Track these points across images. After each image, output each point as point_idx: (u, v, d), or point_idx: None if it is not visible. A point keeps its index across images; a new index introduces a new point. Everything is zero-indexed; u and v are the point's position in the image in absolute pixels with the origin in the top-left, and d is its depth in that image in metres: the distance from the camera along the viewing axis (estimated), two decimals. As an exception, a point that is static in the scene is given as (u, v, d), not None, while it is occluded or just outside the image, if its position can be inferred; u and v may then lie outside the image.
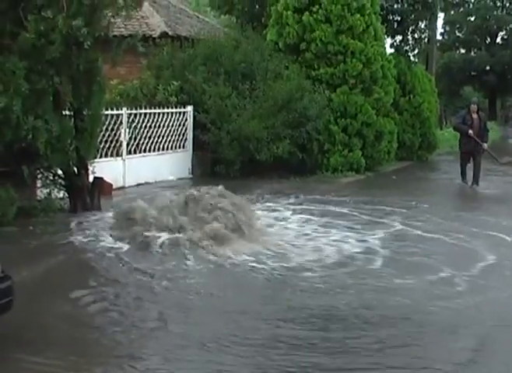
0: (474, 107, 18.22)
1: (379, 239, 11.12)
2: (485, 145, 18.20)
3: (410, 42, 26.08)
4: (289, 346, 6.53)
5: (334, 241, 10.94)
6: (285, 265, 9.43)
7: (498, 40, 61.25)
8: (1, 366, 5.88)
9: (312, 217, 12.83)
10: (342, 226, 12.07)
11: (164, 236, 10.16)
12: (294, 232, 11.51)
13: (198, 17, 25.69)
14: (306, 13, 19.95)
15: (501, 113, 64.35)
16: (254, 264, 9.40)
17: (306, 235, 11.41)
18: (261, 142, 18.04)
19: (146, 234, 10.23)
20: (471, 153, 18.18)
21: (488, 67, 59.24)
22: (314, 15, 19.88)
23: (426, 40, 28.54)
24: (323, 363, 6.14)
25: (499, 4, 61.19)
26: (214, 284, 8.67)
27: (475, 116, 18.11)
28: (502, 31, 60.85)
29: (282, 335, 6.81)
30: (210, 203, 10.64)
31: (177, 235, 10.17)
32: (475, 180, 18.16)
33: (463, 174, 18.66)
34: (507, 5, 61.11)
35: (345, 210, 13.71)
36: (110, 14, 12.08)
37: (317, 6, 19.91)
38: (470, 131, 17.79)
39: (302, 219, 12.66)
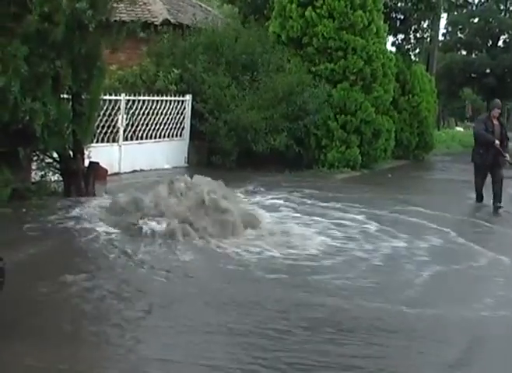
0: (496, 112, 15.01)
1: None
2: (508, 156, 14.98)
3: (412, 41, 26.12)
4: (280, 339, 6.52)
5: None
6: (270, 255, 9.45)
7: (500, 43, 61.25)
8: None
9: (300, 213, 12.84)
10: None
11: (157, 224, 10.11)
12: (283, 225, 11.49)
13: (200, 6, 25.63)
14: (310, 8, 19.93)
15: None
16: (245, 254, 9.39)
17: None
18: (259, 133, 18.04)
19: (139, 220, 10.19)
20: (491, 166, 14.90)
21: (488, 70, 59.23)
22: (317, 10, 19.88)
23: (428, 39, 28.55)
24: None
25: (502, 7, 61.24)
26: (206, 273, 8.64)
27: (495, 122, 14.98)
28: (504, 34, 60.84)
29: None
30: (203, 194, 10.62)
31: (170, 222, 10.12)
32: (497, 199, 14.67)
33: (479, 193, 15.39)
34: (511, 8, 61.17)
35: (338, 205, 13.62)
36: (113, -1, 12.05)
37: (321, 1, 19.91)
38: (497, 141, 14.66)
39: (293, 214, 12.66)
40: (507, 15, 60.77)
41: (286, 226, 11.33)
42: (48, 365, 5.61)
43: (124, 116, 16.49)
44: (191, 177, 11.38)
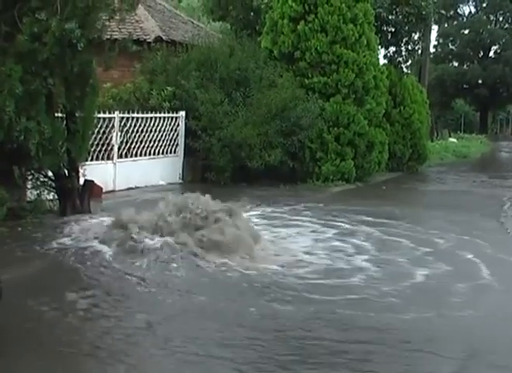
0: None
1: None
2: None
3: (403, 53, 26.22)
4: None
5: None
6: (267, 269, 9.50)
7: (491, 53, 61.61)
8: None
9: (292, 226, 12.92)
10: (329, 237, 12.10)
11: (152, 240, 10.11)
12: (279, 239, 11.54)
13: (192, 23, 25.71)
14: (302, 22, 19.99)
15: (492, 126, 64.59)
16: (240, 270, 9.40)
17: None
18: (253, 149, 18.03)
19: (134, 237, 10.18)
20: None
21: (480, 81, 59.56)
22: (310, 25, 19.94)
23: (420, 51, 28.66)
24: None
25: (492, 18, 61.59)
26: (199, 288, 8.65)
27: None
28: (495, 45, 61.22)
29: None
30: (198, 210, 10.63)
31: (164, 239, 10.12)
32: None
33: None
34: (500, 19, 61.50)
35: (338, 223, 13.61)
36: (105, 17, 12.09)
37: (313, 16, 19.97)
38: None
39: (290, 228, 12.69)
40: (497, 25, 61.09)
41: (283, 242, 11.36)
42: None
43: (119, 134, 16.51)
44: (185, 193, 11.41)
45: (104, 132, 15.95)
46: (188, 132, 18.50)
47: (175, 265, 9.49)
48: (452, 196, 19.65)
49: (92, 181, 13.22)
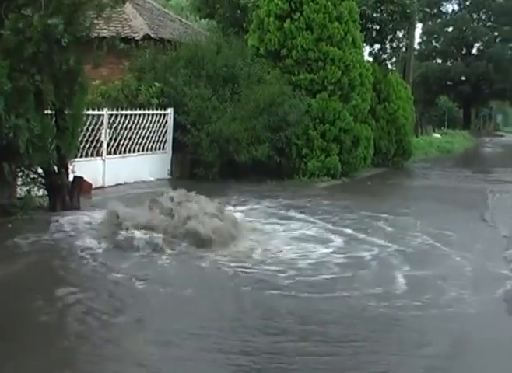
0: None
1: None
2: None
3: (388, 50, 26.25)
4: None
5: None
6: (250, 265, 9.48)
7: (474, 51, 61.81)
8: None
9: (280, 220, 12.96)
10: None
11: (141, 236, 10.09)
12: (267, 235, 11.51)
13: (180, 21, 25.64)
14: (288, 20, 19.98)
15: (475, 122, 64.81)
16: (228, 264, 9.40)
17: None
18: (241, 144, 18.04)
19: (123, 233, 10.16)
20: None
21: (463, 78, 59.74)
22: (296, 23, 19.93)
23: (404, 49, 28.68)
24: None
25: (475, 16, 61.76)
26: (187, 283, 8.64)
27: None
28: (477, 42, 61.42)
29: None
30: (189, 205, 10.63)
31: (154, 234, 10.10)
32: None
33: None
34: (483, 17, 61.68)
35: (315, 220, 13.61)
36: (93, 15, 12.03)
37: (299, 14, 19.96)
38: None
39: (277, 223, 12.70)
40: (480, 23, 61.27)
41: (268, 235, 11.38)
42: None
43: (108, 131, 16.45)
44: (174, 189, 11.40)
45: (93, 129, 15.90)
46: (177, 126, 18.45)
47: (163, 259, 9.49)
48: (436, 190, 19.71)
49: (82, 177, 13.18)
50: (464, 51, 61.75)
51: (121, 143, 17.10)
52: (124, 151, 17.25)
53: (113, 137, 16.76)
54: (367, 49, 25.56)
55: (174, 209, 10.63)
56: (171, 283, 8.61)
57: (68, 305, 7.50)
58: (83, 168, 13.75)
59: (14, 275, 8.59)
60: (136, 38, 20.40)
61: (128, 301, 7.85)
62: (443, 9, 62.74)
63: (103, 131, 16.30)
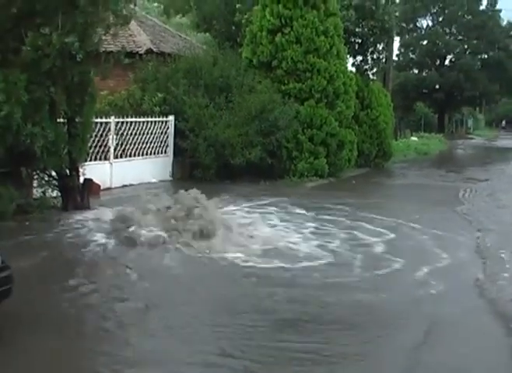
0: None
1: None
2: None
3: (369, 62, 26.29)
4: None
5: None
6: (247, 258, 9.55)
7: (446, 62, 61.96)
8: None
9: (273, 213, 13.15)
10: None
11: (148, 233, 10.12)
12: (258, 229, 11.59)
13: (180, 36, 25.64)
14: (279, 34, 20.06)
15: (448, 126, 64.93)
16: (229, 259, 9.46)
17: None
18: (235, 148, 18.08)
19: (130, 230, 10.19)
20: None
21: (437, 86, 59.90)
22: (286, 37, 20.01)
23: (384, 60, 28.70)
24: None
25: (447, 30, 61.93)
26: (190, 276, 8.70)
27: None
28: (450, 54, 61.62)
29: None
30: (189, 204, 10.66)
31: (160, 232, 10.13)
32: None
33: None
34: (454, 31, 61.86)
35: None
36: (101, 31, 12.08)
37: (289, 29, 20.05)
38: None
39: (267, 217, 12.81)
40: (452, 37, 61.50)
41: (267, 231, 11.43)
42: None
43: (114, 137, 16.48)
44: (176, 189, 11.44)
45: (101, 135, 15.92)
46: (177, 133, 18.48)
47: (167, 254, 9.53)
48: (414, 188, 19.85)
49: (91, 179, 13.23)
50: (437, 62, 61.88)
51: (127, 148, 17.13)
52: (130, 155, 17.28)
53: (120, 142, 16.79)
54: (350, 60, 25.60)
55: (176, 207, 10.67)
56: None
57: (83, 293, 7.61)
58: (92, 171, 13.78)
59: (33, 266, 8.65)
60: (140, 52, 20.40)
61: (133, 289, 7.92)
62: (418, 24, 62.84)
63: (111, 137, 16.32)
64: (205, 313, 7.24)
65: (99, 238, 10.31)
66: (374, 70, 27.67)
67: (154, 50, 20.89)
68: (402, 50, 61.89)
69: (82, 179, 12.85)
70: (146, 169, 17.55)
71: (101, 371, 5.76)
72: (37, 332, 6.29)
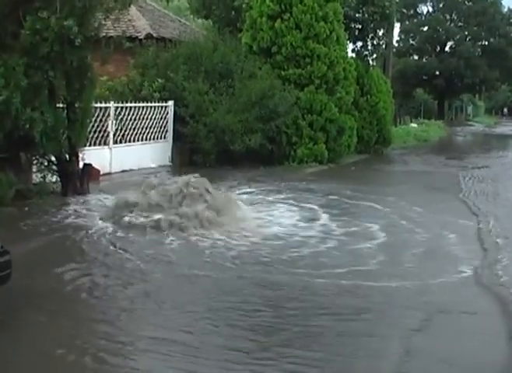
0: None
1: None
2: None
3: (369, 48, 26.19)
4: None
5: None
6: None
7: (447, 48, 61.81)
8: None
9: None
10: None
11: (147, 218, 10.09)
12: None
13: (179, 21, 25.54)
14: (279, 20, 19.98)
15: (448, 113, 64.88)
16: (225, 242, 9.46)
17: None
18: (236, 134, 18.04)
19: (129, 215, 10.17)
20: None
21: (437, 73, 59.76)
22: (286, 23, 19.94)
23: (384, 46, 28.58)
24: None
25: (448, 17, 61.74)
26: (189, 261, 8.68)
27: None
28: (450, 41, 61.46)
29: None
30: (189, 190, 10.63)
31: (159, 216, 10.10)
32: None
33: None
34: (455, 18, 61.67)
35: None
36: (101, 16, 12.02)
37: (288, 14, 19.97)
38: None
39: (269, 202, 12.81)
40: (452, 23, 61.29)
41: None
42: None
43: (114, 122, 16.42)
44: (174, 175, 11.40)
45: (101, 120, 15.86)
46: (177, 119, 18.43)
47: (167, 239, 9.51)
48: (414, 175, 19.80)
49: (91, 164, 13.19)
50: (437, 49, 61.73)
51: (126, 133, 17.08)
52: (129, 141, 17.24)
53: (119, 127, 16.74)
54: (350, 46, 25.48)
55: (174, 192, 10.62)
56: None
57: (76, 277, 7.63)
58: (92, 156, 13.73)
59: (34, 251, 8.66)
60: (139, 37, 20.32)
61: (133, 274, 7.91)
62: (418, 10, 62.66)
63: (110, 122, 16.27)
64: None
65: (99, 223, 10.29)
66: (374, 56, 27.56)
67: (154, 35, 20.82)
68: (402, 37, 61.76)
69: (81, 165, 12.79)
70: (146, 154, 17.51)
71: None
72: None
